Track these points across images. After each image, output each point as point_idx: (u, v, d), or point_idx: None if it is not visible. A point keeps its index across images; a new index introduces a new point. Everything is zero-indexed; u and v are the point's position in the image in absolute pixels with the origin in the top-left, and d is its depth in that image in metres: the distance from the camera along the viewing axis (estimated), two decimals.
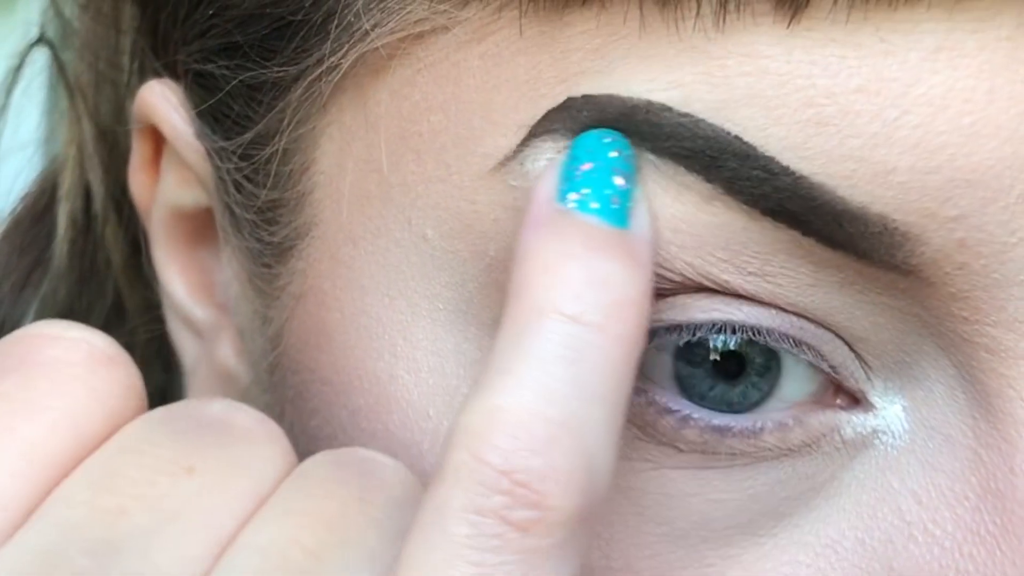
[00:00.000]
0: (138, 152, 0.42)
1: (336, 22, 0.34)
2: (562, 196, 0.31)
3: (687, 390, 0.33)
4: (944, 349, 0.33)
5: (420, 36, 0.33)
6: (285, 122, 0.36)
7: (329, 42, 0.34)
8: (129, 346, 0.48)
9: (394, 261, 0.35)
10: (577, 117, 0.32)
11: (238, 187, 0.38)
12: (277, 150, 0.37)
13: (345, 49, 0.34)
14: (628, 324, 0.30)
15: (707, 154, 0.31)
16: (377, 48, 0.34)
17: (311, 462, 0.32)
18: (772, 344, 0.33)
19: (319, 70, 0.35)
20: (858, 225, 0.31)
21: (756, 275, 0.32)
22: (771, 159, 0.31)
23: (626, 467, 0.33)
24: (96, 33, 0.46)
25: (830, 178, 0.31)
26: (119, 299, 0.48)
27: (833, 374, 0.33)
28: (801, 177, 0.31)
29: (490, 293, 0.34)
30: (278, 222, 0.37)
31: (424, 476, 0.34)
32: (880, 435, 0.33)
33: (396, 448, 0.35)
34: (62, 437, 0.30)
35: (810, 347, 0.33)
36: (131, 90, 0.44)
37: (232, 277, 0.40)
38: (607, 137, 0.32)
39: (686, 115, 0.31)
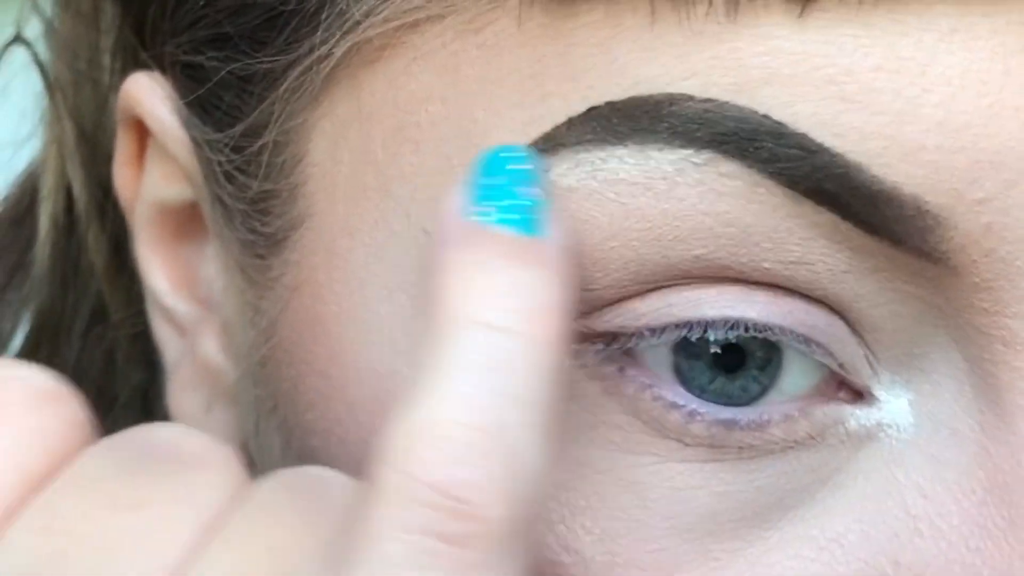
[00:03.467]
0: (122, 147, 0.42)
1: (327, 11, 0.34)
2: (469, 211, 0.31)
3: (687, 383, 0.33)
4: (957, 341, 0.32)
5: (415, 25, 0.33)
6: (276, 114, 0.36)
7: (320, 31, 0.34)
8: (113, 345, 0.48)
9: (392, 254, 0.34)
10: (608, 126, 0.31)
11: (229, 178, 0.38)
12: (268, 142, 0.36)
13: (336, 38, 0.34)
14: (545, 328, 0.30)
15: (741, 136, 0.31)
16: (370, 38, 0.33)
17: (261, 488, 0.31)
18: (780, 339, 0.32)
19: (309, 60, 0.34)
20: (893, 207, 0.31)
21: (796, 263, 0.32)
22: (804, 136, 0.31)
23: (631, 461, 0.33)
24: (76, 32, 0.45)
25: (864, 156, 0.31)
26: (102, 298, 0.47)
27: (840, 370, 0.33)
28: (837, 155, 0.31)
29: None
30: (271, 212, 0.37)
31: None
32: (885, 428, 0.33)
33: None
34: (5, 480, 0.30)
35: (819, 344, 0.33)
36: (114, 88, 0.44)
37: (219, 270, 0.40)
38: (507, 151, 0.32)
39: (709, 100, 0.31)
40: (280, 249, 0.37)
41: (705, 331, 0.32)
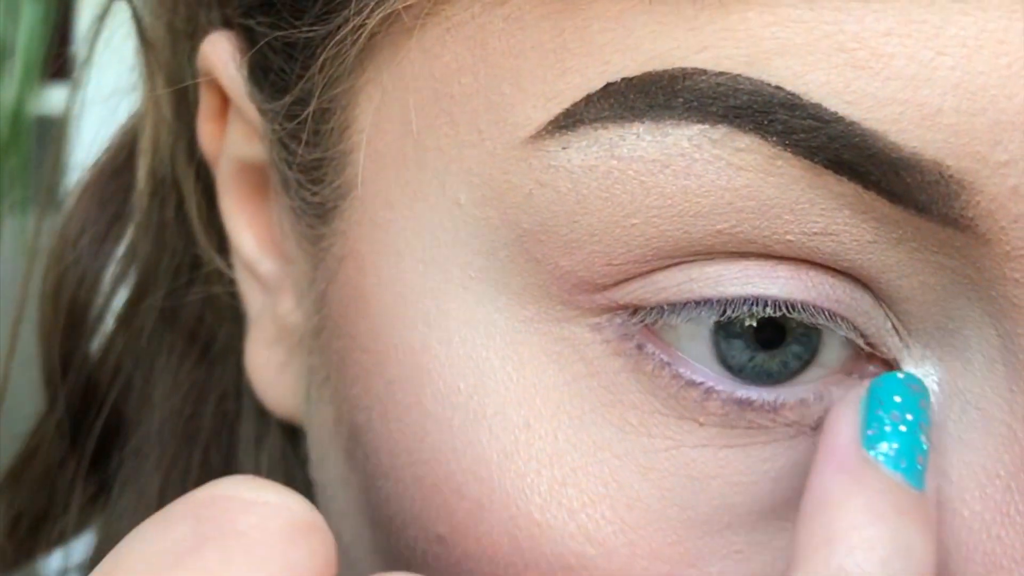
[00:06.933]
0: (206, 103, 0.42)
1: None
2: (869, 443, 0.30)
3: (727, 361, 0.32)
4: (991, 316, 0.31)
5: None
6: (319, 82, 0.35)
7: (354, 2, 0.33)
8: (207, 295, 0.48)
9: (428, 226, 0.34)
10: (624, 103, 0.30)
11: (284, 146, 0.38)
12: (316, 110, 0.36)
13: (370, 9, 0.33)
14: None
15: (755, 109, 0.30)
16: (406, 7, 0.32)
17: None
18: (807, 320, 0.31)
19: (345, 31, 0.34)
20: (915, 174, 0.29)
21: (820, 235, 0.31)
22: (819, 106, 0.29)
23: (647, 445, 0.32)
24: None
25: (880, 123, 0.29)
26: (194, 251, 0.48)
27: (867, 347, 0.32)
28: (852, 123, 0.29)
29: (521, 263, 0.32)
30: (322, 181, 0.37)
31: (455, 453, 0.33)
32: None
33: (429, 423, 0.34)
34: None
35: (845, 319, 0.31)
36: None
37: (286, 233, 0.40)
38: (914, 384, 0.31)
39: (722, 74, 0.30)
40: (330, 218, 0.37)
41: (724, 312, 0.31)
